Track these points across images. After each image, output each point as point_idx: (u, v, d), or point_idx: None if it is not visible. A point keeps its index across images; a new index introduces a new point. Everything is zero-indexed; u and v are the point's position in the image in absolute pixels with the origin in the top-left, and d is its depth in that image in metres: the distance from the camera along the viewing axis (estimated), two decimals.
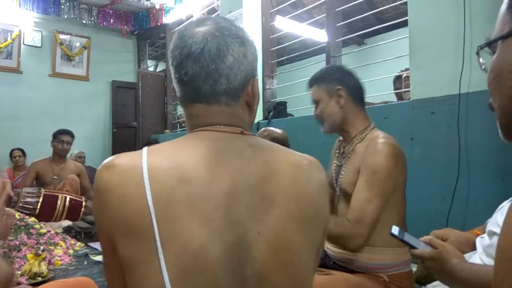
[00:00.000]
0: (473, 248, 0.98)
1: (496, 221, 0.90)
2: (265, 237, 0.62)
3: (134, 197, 0.59)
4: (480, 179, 1.94)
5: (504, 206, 0.93)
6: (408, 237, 0.99)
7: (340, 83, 1.36)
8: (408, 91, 2.47)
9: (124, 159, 0.64)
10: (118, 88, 5.67)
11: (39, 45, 5.17)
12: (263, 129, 2.16)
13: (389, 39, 3.12)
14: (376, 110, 2.45)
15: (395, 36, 2.93)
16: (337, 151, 1.48)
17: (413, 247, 0.94)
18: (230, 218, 0.61)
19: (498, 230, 0.86)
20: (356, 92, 1.37)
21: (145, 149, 0.65)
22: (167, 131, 5.22)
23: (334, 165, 1.46)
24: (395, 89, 2.93)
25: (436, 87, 2.13)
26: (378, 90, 3.05)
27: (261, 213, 0.63)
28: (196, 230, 0.59)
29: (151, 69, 6.40)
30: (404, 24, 2.49)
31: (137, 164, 0.62)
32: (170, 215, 0.59)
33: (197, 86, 0.66)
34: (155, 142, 3.92)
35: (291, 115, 3.51)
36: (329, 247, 1.39)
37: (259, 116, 3.47)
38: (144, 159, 0.62)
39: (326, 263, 1.36)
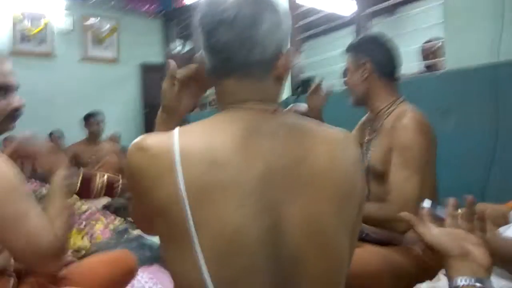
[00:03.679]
0: (508, 221, 0.95)
1: None
2: (300, 219, 0.61)
3: (166, 181, 0.59)
4: None
5: None
6: (440, 212, 0.98)
7: (368, 54, 1.33)
8: (441, 61, 2.37)
9: (155, 140, 0.63)
10: (148, 70, 5.73)
11: (70, 29, 5.26)
12: (291, 106, 2.14)
13: (422, 6, 2.97)
14: (409, 81, 2.37)
15: (428, 3, 2.79)
16: (367, 126, 1.46)
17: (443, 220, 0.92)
18: (263, 201, 0.60)
19: None
20: (385, 65, 1.34)
21: (176, 129, 0.63)
22: (196, 109, 5.26)
23: (363, 140, 1.45)
24: (423, 58, 2.81)
25: (473, 55, 2.03)
26: (411, 60, 2.94)
27: (295, 196, 0.62)
28: (229, 215, 0.58)
29: (180, 49, 6.41)
30: None
31: (169, 147, 0.60)
32: (203, 199, 0.58)
33: (230, 55, 0.64)
34: (185, 121, 3.97)
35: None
36: None
37: (287, 92, 3.43)
38: (176, 141, 0.61)
39: (360, 235, 1.36)
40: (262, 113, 0.66)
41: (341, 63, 3.38)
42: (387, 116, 1.33)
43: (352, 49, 1.39)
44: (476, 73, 2.01)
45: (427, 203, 0.99)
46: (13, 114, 1.07)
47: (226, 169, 0.60)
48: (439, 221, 1.03)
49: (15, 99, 1.07)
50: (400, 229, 1.23)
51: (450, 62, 2.18)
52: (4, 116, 1.04)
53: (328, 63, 3.50)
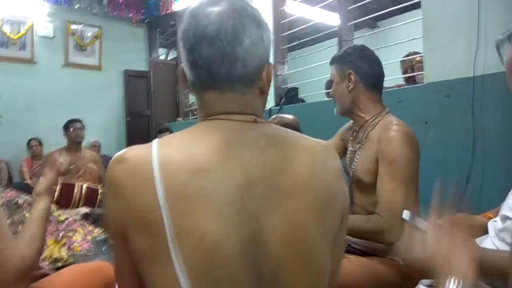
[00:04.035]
0: (485, 231, 0.97)
1: (509, 205, 0.89)
2: (281, 230, 0.61)
3: (146, 192, 0.58)
4: (495, 163, 1.91)
5: None
6: (419, 222, 0.99)
7: (353, 66, 1.35)
8: (421, 74, 2.44)
9: (134, 152, 0.63)
10: (130, 77, 5.70)
11: (52, 35, 5.20)
12: (273, 116, 2.15)
13: (403, 21, 3.06)
14: (390, 94, 2.41)
15: (408, 18, 2.86)
16: (351, 137, 1.47)
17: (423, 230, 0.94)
18: (244, 212, 0.60)
19: (511, 215, 0.85)
20: (370, 76, 1.36)
21: (155, 141, 0.63)
22: (179, 119, 5.24)
23: (348, 151, 1.47)
24: (402, 72, 2.88)
25: (450, 69, 2.09)
26: (391, 73, 3.00)
27: (276, 206, 0.61)
28: (209, 225, 0.58)
29: (162, 57, 6.40)
30: (417, 6, 2.44)
31: (148, 158, 0.60)
32: (182, 209, 0.58)
33: (212, 70, 0.63)
34: (167, 130, 3.95)
35: (303, 101, 3.49)
36: None
37: (270, 103, 3.45)
38: (154, 152, 0.61)
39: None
40: (243, 124, 0.66)
41: (324, 75, 3.43)
42: (373, 128, 1.34)
43: (336, 61, 1.41)
44: (454, 86, 2.07)
45: (405, 215, 1.01)
46: None
47: (205, 179, 0.59)
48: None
49: None
50: (390, 240, 1.24)
51: (429, 75, 2.24)
52: None
53: (312, 75, 3.55)
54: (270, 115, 3.16)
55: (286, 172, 0.63)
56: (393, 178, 1.21)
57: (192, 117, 5.20)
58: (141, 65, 5.85)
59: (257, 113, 0.69)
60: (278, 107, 3.22)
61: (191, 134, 0.66)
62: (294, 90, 3.43)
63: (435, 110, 2.16)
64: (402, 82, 2.95)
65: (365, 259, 1.28)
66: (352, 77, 1.35)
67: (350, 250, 1.34)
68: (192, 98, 5.27)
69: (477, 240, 0.97)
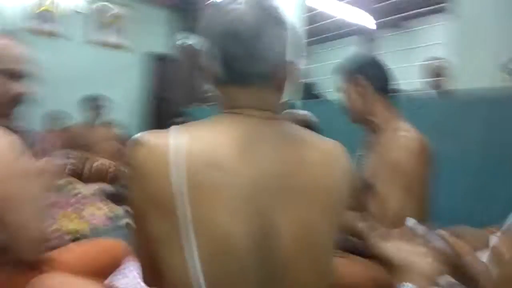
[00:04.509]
0: (488, 245, 0.97)
1: None
2: (292, 229, 0.62)
3: (165, 178, 0.60)
4: (509, 179, 1.88)
5: None
6: (422, 229, 0.99)
7: (360, 71, 1.36)
8: (444, 80, 2.40)
9: (153, 137, 0.64)
10: (153, 59, 5.73)
11: (80, 9, 5.24)
12: (288, 112, 2.16)
13: (429, 23, 3.00)
14: (410, 99, 2.39)
15: (434, 21, 2.81)
16: (364, 144, 1.49)
17: (427, 240, 0.94)
18: (255, 207, 0.61)
19: None
20: (378, 81, 1.37)
21: (175, 128, 0.65)
22: (200, 104, 5.26)
23: (359, 155, 1.48)
24: (427, 76, 2.84)
25: (475, 79, 2.05)
26: (414, 76, 2.97)
27: (288, 204, 0.63)
28: (221, 216, 0.60)
29: (186, 41, 6.40)
30: (443, 9, 2.38)
31: (166, 144, 0.62)
32: (198, 198, 0.59)
33: (233, 65, 0.65)
34: (187, 115, 3.97)
35: (325, 97, 3.47)
36: None
37: (293, 96, 3.44)
38: (173, 138, 0.62)
39: (346, 246, 1.38)
40: (260, 120, 0.68)
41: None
42: (383, 132, 1.34)
43: (344, 69, 1.42)
44: (477, 96, 2.03)
45: (410, 222, 1.01)
46: (13, 101, 1.05)
47: (221, 171, 0.61)
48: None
49: (18, 86, 1.04)
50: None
51: (452, 83, 2.20)
52: (5, 101, 1.02)
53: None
54: (291, 106, 3.16)
55: (300, 172, 0.65)
56: (392, 182, 1.21)
57: (207, 104, 5.23)
58: (165, 48, 5.87)
59: (274, 109, 0.71)
60: (301, 102, 3.20)
61: (211, 125, 0.68)
62: (316, 85, 3.41)
63: (455, 119, 2.13)
64: (426, 86, 2.90)
65: (369, 261, 1.29)
66: (361, 81, 1.36)
67: (355, 251, 1.35)
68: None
69: (479, 254, 0.96)
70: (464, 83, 2.12)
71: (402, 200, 1.20)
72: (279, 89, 0.71)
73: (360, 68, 1.38)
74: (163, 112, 5.35)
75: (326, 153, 0.70)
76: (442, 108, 2.22)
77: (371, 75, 1.36)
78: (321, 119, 2.88)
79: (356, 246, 1.36)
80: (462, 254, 0.85)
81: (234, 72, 0.66)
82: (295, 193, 0.64)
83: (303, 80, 3.55)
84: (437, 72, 2.66)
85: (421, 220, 1.34)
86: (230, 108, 0.69)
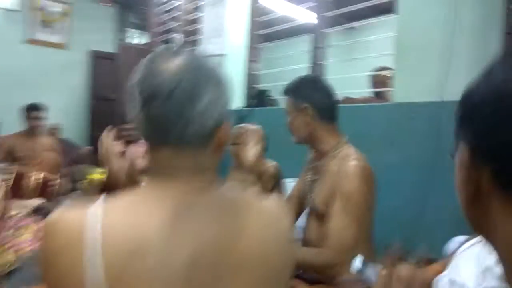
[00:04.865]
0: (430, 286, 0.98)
1: (458, 268, 0.89)
2: None
3: (75, 270, 0.53)
4: (453, 188, 1.96)
5: (466, 250, 0.93)
6: (370, 271, 0.99)
7: (308, 99, 1.36)
8: (389, 91, 2.46)
9: (72, 218, 0.57)
10: (98, 59, 5.46)
11: (18, 8, 4.87)
12: (239, 126, 2.12)
13: (377, 25, 3.04)
14: (357, 109, 2.43)
15: (383, 22, 2.84)
16: (310, 164, 1.48)
17: (370, 285, 0.94)
18: None
19: (459, 279, 0.86)
20: (325, 108, 1.37)
21: (98, 207, 0.58)
22: None
23: (306, 180, 1.48)
24: (372, 83, 2.90)
25: (419, 91, 2.12)
26: (361, 81, 3.02)
27: (227, 282, 0.59)
28: None
29: (132, 40, 6.17)
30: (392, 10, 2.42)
31: (82, 227, 0.55)
32: None
33: (164, 129, 0.60)
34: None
35: (275, 104, 3.46)
36: None
37: (241, 103, 3.40)
38: (92, 219, 0.56)
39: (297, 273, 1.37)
40: (195, 189, 0.63)
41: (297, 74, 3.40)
42: (332, 159, 1.35)
43: (291, 93, 1.42)
44: (422, 109, 2.10)
45: (359, 262, 1.01)
46: None
47: (150, 256, 0.55)
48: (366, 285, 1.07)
49: None
50: (334, 274, 1.25)
51: (397, 95, 2.25)
52: None
53: (284, 75, 3.51)
54: (239, 117, 3.13)
55: (238, 245, 0.61)
56: (347, 214, 1.23)
57: None
58: (110, 47, 5.60)
59: (211, 174, 0.67)
60: (249, 109, 3.16)
61: (138, 201, 0.62)
62: (266, 92, 3.39)
63: (400, 130, 2.19)
64: (371, 94, 2.96)
65: (313, 286, 1.29)
66: (307, 110, 1.35)
67: (304, 277, 1.35)
68: None
69: None
70: (407, 96, 2.18)
71: (357, 231, 1.23)
72: (217, 150, 0.67)
73: (307, 96, 1.38)
74: (109, 114, 5.11)
75: (266, 219, 0.66)
76: (387, 120, 2.26)
77: (318, 104, 1.37)
78: (273, 128, 2.87)
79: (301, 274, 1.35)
80: None
81: (166, 135, 0.61)
82: (232, 270, 0.59)
83: (254, 86, 3.51)
84: (382, 82, 2.71)
85: (367, 243, 1.37)
86: (162, 173, 0.63)
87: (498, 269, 0.77)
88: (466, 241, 1.39)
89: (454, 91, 1.95)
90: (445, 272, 0.96)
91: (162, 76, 0.60)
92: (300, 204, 1.53)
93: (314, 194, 1.38)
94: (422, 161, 2.07)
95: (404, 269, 1.04)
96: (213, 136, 0.64)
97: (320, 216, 1.35)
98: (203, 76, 0.61)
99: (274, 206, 0.70)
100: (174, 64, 0.61)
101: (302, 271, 1.34)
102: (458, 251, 0.97)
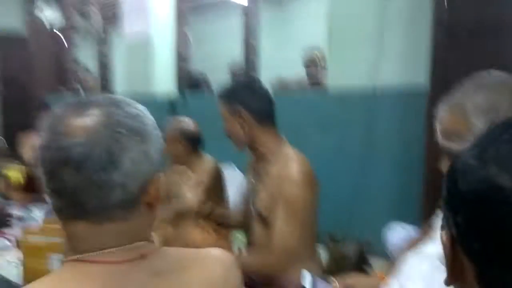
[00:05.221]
0: None
1: (408, 273, 0.92)
2: None
3: None
4: (387, 175, 2.06)
5: (410, 261, 0.95)
6: (320, 285, 1.00)
7: (242, 103, 1.31)
8: (321, 72, 2.47)
9: None
10: (5, 40, 4.81)
11: None
12: (173, 121, 2.01)
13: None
14: (291, 97, 2.41)
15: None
16: (251, 168, 1.45)
17: None
18: None
19: (409, 285, 0.88)
20: (261, 112, 1.33)
21: None
22: (64, 90, 4.66)
23: (249, 185, 1.45)
24: (304, 65, 2.89)
25: (352, 79, 2.14)
26: (295, 60, 3.01)
27: None
28: None
29: (42, 12, 5.51)
30: None
31: None
32: None
33: (79, 201, 0.51)
34: (47, 105, 3.46)
35: (210, 89, 3.33)
36: None
37: (173, 91, 3.22)
38: None
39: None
40: (124, 265, 0.54)
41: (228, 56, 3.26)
42: (272, 163, 1.32)
43: (225, 97, 1.35)
44: (355, 98, 2.13)
45: (307, 274, 1.01)
46: None
47: None
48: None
49: None
50: (279, 279, 1.27)
51: (331, 77, 2.27)
52: None
53: (215, 54, 3.39)
54: (172, 105, 2.97)
55: None
56: (290, 220, 1.23)
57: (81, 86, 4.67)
58: (15, 21, 4.96)
59: (146, 237, 0.58)
60: (183, 96, 3.00)
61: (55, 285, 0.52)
62: (202, 76, 3.23)
63: (334, 117, 2.22)
64: (304, 75, 2.96)
65: None
66: (243, 114, 1.31)
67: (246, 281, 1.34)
68: (80, 66, 4.72)
69: None
70: (339, 79, 2.20)
71: (301, 236, 1.23)
72: (150, 207, 0.58)
73: (241, 99, 1.32)
74: (19, 101, 4.60)
75: (210, 273, 0.61)
76: (320, 107, 2.28)
77: (253, 107, 1.32)
78: (211, 116, 2.76)
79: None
80: None
81: (82, 208, 0.52)
82: None
83: (185, 69, 3.34)
84: (313, 62, 2.71)
85: (310, 239, 1.39)
86: (82, 252, 0.53)
87: None
88: (405, 235, 1.47)
89: (386, 77, 2.01)
90: (389, 281, 0.99)
91: (69, 142, 0.49)
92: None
93: (257, 199, 1.36)
94: (355, 148, 2.13)
95: (349, 279, 1.08)
96: (141, 196, 0.55)
97: (263, 220, 1.34)
98: (123, 135, 0.51)
99: (217, 256, 0.65)
100: (85, 123, 0.51)
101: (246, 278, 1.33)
102: (402, 257, 0.99)
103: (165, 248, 0.62)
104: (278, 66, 2.92)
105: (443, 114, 0.83)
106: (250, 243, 1.45)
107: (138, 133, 0.53)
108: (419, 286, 0.86)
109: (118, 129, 0.51)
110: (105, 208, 0.52)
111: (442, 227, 0.42)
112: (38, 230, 1.74)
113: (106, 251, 0.53)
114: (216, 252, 0.66)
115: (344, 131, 2.19)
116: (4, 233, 2.50)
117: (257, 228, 1.38)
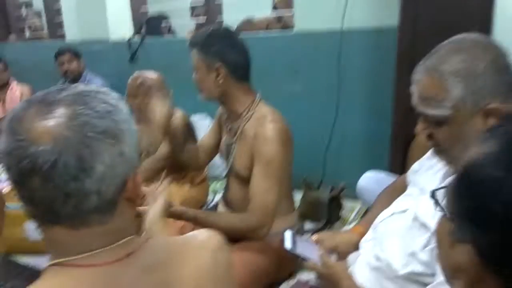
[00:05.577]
0: (358, 246, 1.04)
1: (381, 242, 0.91)
2: None
3: None
4: (356, 116, 2.06)
5: (386, 220, 0.96)
6: (300, 247, 1.00)
7: (221, 58, 1.23)
8: (290, 14, 2.35)
9: None
10: None
11: None
12: (134, 75, 1.87)
13: None
14: (261, 41, 2.30)
15: None
16: (226, 125, 1.39)
17: (305, 259, 0.96)
18: None
19: (383, 256, 0.89)
20: (239, 67, 1.26)
21: None
22: (12, 37, 4.27)
23: (224, 142, 1.40)
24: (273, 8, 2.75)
25: (319, 20, 2.05)
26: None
27: None
28: None
29: None
30: None
31: None
32: None
33: (51, 209, 0.47)
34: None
35: (172, 31, 3.10)
36: None
37: (129, 32, 3.00)
38: None
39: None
40: (114, 265, 0.51)
41: None
42: (247, 121, 1.28)
43: (200, 47, 1.24)
44: (322, 38, 2.06)
45: (287, 243, 1.01)
46: None
47: None
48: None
49: None
50: (259, 237, 1.27)
51: (299, 23, 2.17)
52: None
53: None
54: (130, 46, 2.78)
55: None
56: (268, 178, 1.21)
57: (29, 32, 4.28)
58: None
59: (129, 233, 0.55)
60: (140, 37, 2.80)
61: None
62: (160, 17, 3.00)
63: (304, 59, 2.16)
64: (271, 14, 2.82)
65: (240, 252, 1.29)
66: (221, 70, 1.23)
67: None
68: (25, 11, 4.30)
69: (350, 258, 1.03)
70: (309, 24, 2.11)
71: (278, 193, 1.23)
72: (130, 203, 0.54)
73: (219, 53, 1.22)
74: None
75: (200, 259, 0.59)
76: (290, 49, 2.20)
77: (231, 63, 1.23)
78: (171, 61, 2.62)
79: None
80: (340, 280, 0.88)
81: (58, 214, 0.48)
82: None
83: (145, 11, 3.09)
84: (282, 1, 2.57)
85: (290, 201, 1.40)
86: (65, 255, 0.50)
87: (424, 255, 0.83)
88: (377, 180, 1.49)
89: (352, 18, 1.93)
90: (368, 236, 1.01)
91: (35, 150, 0.44)
92: (212, 151, 1.49)
93: (234, 158, 1.33)
94: (326, 89, 2.10)
95: (328, 238, 1.09)
96: (119, 195, 0.51)
97: (240, 179, 1.32)
98: (93, 139, 0.46)
99: (204, 241, 0.63)
100: (50, 127, 0.45)
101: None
102: (376, 204, 1.00)
103: (152, 240, 0.59)
104: (244, 7, 2.75)
105: (420, 78, 0.79)
106: (226, 202, 1.44)
107: (110, 134, 0.48)
108: (396, 242, 0.88)
109: (88, 132, 0.46)
110: (80, 215, 0.48)
111: (460, 240, 0.39)
112: (11, 197, 1.64)
113: (91, 253, 0.50)
114: (202, 236, 0.64)
115: (313, 74, 2.14)
116: None
117: (234, 187, 1.37)
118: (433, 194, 0.46)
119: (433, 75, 0.76)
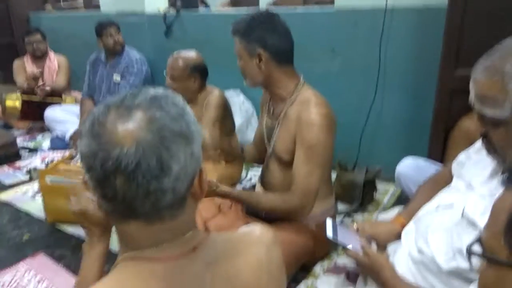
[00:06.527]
0: (398, 237, 1.04)
1: (425, 236, 0.92)
2: None
3: None
4: (395, 96, 2.02)
5: (433, 214, 0.96)
6: (341, 235, 1.03)
7: (261, 44, 1.23)
8: None
9: None
10: None
11: None
12: (174, 56, 1.87)
13: None
14: (298, 17, 2.25)
15: None
16: (268, 108, 1.40)
17: (346, 247, 0.98)
18: None
19: (427, 250, 0.90)
20: (280, 52, 1.26)
21: None
22: (48, 6, 4.33)
23: (266, 125, 1.41)
24: None
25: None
26: None
27: None
28: None
29: None
30: None
31: None
32: None
33: (131, 206, 0.51)
34: (37, 32, 3.24)
35: (205, 4, 3.06)
36: None
37: (164, 4, 2.99)
38: None
39: (259, 214, 1.39)
40: (181, 260, 0.55)
41: None
42: (291, 104, 1.28)
43: (241, 34, 1.24)
44: (364, 16, 1.99)
45: (329, 232, 1.03)
46: None
47: None
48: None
49: None
50: (300, 218, 1.31)
51: (339, 1, 2.10)
52: None
53: None
54: (165, 21, 2.77)
55: None
56: (310, 162, 1.23)
57: (64, 2, 4.32)
58: None
59: (193, 227, 0.59)
60: (176, 11, 2.78)
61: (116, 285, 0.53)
62: None
63: (343, 38, 2.10)
64: None
65: (279, 231, 1.32)
66: (262, 55, 1.23)
67: (268, 218, 1.38)
68: None
69: (391, 247, 1.04)
70: (350, 2, 2.03)
71: (320, 177, 1.25)
72: (195, 200, 0.58)
73: (260, 39, 1.22)
74: (2, 21, 4.29)
75: (256, 255, 0.63)
76: (329, 27, 2.14)
77: (273, 48, 1.23)
78: (208, 36, 2.60)
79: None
80: (382, 269, 0.90)
81: (134, 211, 0.52)
82: None
83: None
84: None
85: (329, 186, 1.41)
86: (138, 248, 0.54)
87: None
88: (416, 167, 1.47)
89: None
90: (410, 228, 1.02)
91: (119, 148, 0.47)
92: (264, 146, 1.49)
93: (275, 141, 1.34)
94: (364, 69, 2.05)
95: (370, 227, 1.10)
96: (188, 191, 0.55)
97: (282, 162, 1.34)
98: (171, 139, 0.49)
99: (260, 237, 0.66)
100: (132, 131, 0.48)
101: (265, 214, 1.37)
102: (423, 210, 1.00)
103: (212, 235, 0.62)
104: None
105: (479, 77, 0.77)
106: (265, 184, 1.46)
107: (184, 135, 0.51)
108: (441, 237, 0.88)
109: (165, 135, 0.49)
110: (156, 211, 0.52)
111: None
112: (55, 170, 1.73)
113: (160, 247, 0.54)
114: (257, 232, 0.66)
115: (352, 53, 2.08)
116: (15, 165, 2.52)
117: (274, 169, 1.39)
118: (468, 250, 0.46)
119: (494, 75, 0.74)
